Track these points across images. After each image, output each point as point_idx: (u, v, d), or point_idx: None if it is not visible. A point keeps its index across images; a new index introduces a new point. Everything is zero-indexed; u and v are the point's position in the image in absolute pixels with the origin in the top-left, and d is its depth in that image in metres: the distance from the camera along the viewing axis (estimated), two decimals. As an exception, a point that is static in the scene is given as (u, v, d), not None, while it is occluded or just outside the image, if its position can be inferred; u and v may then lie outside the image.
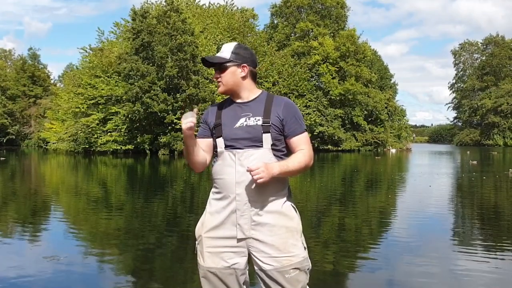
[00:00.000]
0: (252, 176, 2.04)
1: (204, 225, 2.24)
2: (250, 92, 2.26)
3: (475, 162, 23.34)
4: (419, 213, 8.48)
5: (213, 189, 2.27)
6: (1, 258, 5.26)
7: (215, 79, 2.26)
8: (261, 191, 2.14)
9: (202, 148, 2.26)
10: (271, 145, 2.18)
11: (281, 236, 2.16)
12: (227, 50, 2.23)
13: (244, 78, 2.24)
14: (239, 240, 2.16)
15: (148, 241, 6.14)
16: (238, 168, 2.14)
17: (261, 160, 2.11)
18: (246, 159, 2.13)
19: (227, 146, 2.18)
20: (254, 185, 2.12)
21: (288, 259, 2.14)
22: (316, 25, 44.01)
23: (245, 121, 2.19)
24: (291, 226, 2.20)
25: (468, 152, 37.03)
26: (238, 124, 2.19)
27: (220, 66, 2.23)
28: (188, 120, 2.10)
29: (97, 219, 8.00)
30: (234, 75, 2.22)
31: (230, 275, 2.17)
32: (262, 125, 2.16)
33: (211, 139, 2.27)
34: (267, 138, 2.16)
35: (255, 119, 2.18)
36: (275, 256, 2.14)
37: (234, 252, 2.17)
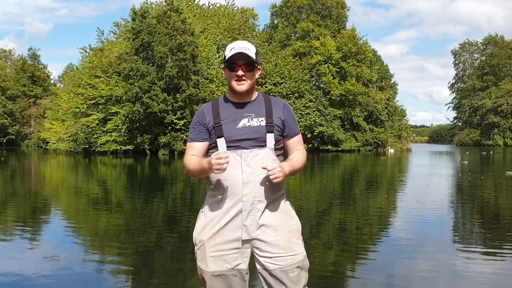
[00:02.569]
0: (269, 176, 2.05)
1: (206, 229, 2.18)
2: (253, 93, 2.29)
3: (466, 162, 24.26)
4: (417, 212, 8.47)
5: (212, 192, 2.21)
6: (1, 258, 5.26)
7: (236, 76, 2.17)
8: (267, 191, 2.16)
9: (199, 152, 2.21)
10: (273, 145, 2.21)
11: (285, 235, 2.19)
12: (253, 50, 2.19)
13: (256, 79, 2.27)
14: (244, 241, 2.16)
15: (148, 241, 6.14)
16: (245, 168, 2.12)
17: (266, 160, 2.13)
18: (252, 159, 2.14)
19: (229, 147, 2.15)
20: (260, 185, 2.13)
21: (292, 257, 2.17)
22: (317, 25, 43.99)
23: (248, 121, 2.18)
24: (293, 225, 2.25)
25: (467, 152, 37.41)
26: (240, 125, 2.17)
27: (250, 64, 2.18)
28: (225, 162, 2.00)
29: (97, 219, 8.01)
30: (255, 75, 2.23)
31: (234, 277, 2.17)
32: (266, 125, 2.18)
33: (209, 141, 2.23)
34: (270, 138, 2.18)
35: (258, 119, 2.19)
36: (280, 255, 2.16)
37: (238, 254, 2.17)
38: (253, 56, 2.17)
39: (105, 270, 4.84)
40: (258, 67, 2.24)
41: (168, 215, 8.42)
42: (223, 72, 2.29)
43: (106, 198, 10.93)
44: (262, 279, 2.21)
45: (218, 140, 2.17)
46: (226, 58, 2.18)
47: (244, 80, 2.17)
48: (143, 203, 9.92)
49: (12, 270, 4.66)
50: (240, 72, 2.16)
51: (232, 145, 2.15)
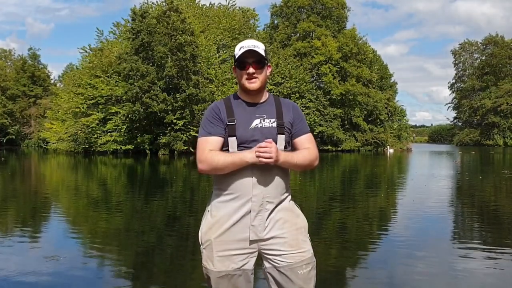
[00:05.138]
0: (265, 149, 2.03)
1: (213, 229, 2.17)
2: (264, 93, 2.28)
3: (457, 161, 25.43)
4: (416, 212, 8.48)
5: (220, 191, 2.20)
6: (1, 258, 5.26)
7: (247, 74, 2.16)
8: (276, 192, 2.17)
9: (217, 148, 2.17)
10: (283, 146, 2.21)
11: (292, 233, 2.20)
12: (262, 48, 2.18)
13: (267, 78, 2.26)
14: (251, 242, 2.16)
15: (148, 241, 6.15)
16: (255, 169, 2.12)
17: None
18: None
19: (240, 147, 2.14)
20: (270, 186, 2.14)
21: (300, 255, 2.18)
22: (317, 25, 43.99)
23: (260, 122, 2.18)
24: (299, 223, 2.25)
25: (460, 152, 38.06)
26: (253, 125, 2.17)
27: (260, 61, 2.17)
28: (274, 154, 2.03)
29: (97, 219, 8.00)
30: (266, 73, 2.22)
31: (239, 277, 2.17)
32: (277, 127, 2.19)
33: (224, 138, 2.19)
34: (281, 140, 2.18)
35: (270, 121, 2.19)
36: (288, 253, 2.16)
37: (245, 254, 2.17)
38: (263, 53, 2.16)
39: (105, 270, 4.85)
40: (268, 64, 2.23)
41: (168, 215, 8.42)
42: (233, 73, 2.27)
43: (106, 198, 10.92)
44: (271, 278, 2.19)
45: (229, 139, 2.15)
46: (236, 57, 2.17)
47: (255, 78, 2.16)
48: (143, 203, 9.92)
49: (12, 270, 4.66)
50: (250, 70, 2.15)
51: (243, 145, 2.15)
